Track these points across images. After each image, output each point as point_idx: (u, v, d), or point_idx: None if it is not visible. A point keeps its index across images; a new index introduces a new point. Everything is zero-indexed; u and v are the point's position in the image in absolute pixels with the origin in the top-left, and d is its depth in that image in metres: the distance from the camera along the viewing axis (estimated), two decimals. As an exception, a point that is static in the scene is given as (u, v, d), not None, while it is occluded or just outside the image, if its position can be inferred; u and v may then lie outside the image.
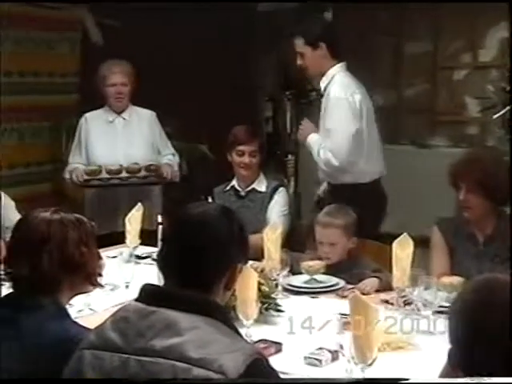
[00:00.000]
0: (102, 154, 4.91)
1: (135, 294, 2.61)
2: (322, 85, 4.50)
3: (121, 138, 4.96)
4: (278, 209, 4.41)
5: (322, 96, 4.52)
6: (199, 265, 1.97)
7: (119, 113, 5.00)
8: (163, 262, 2.05)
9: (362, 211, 3.85)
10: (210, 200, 4.37)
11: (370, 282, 3.37)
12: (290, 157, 7.79)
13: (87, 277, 2.43)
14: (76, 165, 4.92)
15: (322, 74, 4.52)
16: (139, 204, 3.99)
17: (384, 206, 4.48)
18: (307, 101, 8.24)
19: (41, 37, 5.89)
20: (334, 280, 3.46)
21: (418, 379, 2.05)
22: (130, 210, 4.00)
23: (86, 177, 4.81)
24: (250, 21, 7.44)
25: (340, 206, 3.81)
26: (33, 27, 5.79)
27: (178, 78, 5.38)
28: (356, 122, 4.32)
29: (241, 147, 4.49)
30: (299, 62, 4.55)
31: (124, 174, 4.81)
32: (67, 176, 4.92)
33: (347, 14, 6.98)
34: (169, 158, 5.05)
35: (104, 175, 4.81)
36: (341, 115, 4.31)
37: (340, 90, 4.36)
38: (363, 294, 3.07)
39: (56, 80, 6.07)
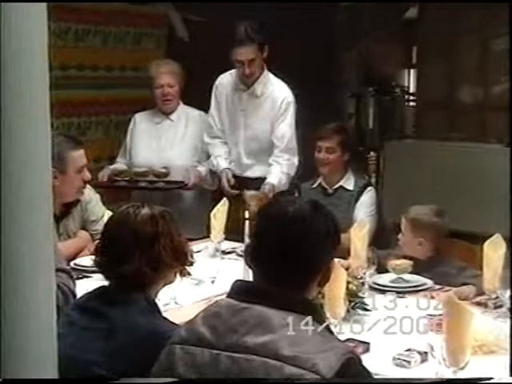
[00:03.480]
0: (142, 156, 4.84)
1: (220, 288, 2.59)
2: (259, 86, 4.58)
3: (164, 141, 4.87)
4: (365, 209, 4.35)
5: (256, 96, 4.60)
6: (296, 261, 1.93)
7: (168, 114, 4.89)
8: (255, 258, 2.00)
9: None
10: (296, 195, 4.35)
11: (468, 289, 3.23)
12: (372, 153, 7.73)
13: (180, 268, 2.47)
14: (118, 165, 4.91)
15: (257, 77, 4.59)
16: (224, 199, 3.99)
17: None
18: (390, 97, 8.17)
19: (128, 32, 5.96)
20: (421, 280, 3.39)
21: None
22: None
23: (114, 177, 4.76)
24: (332, 16, 7.38)
25: (431, 206, 3.74)
26: (120, 23, 5.85)
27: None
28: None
29: (319, 143, 4.45)
30: (248, 70, 4.52)
31: (151, 178, 4.74)
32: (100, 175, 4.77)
33: (433, 13, 6.87)
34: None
35: (132, 177, 4.77)
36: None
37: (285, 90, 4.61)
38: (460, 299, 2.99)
39: (141, 74, 6.13)
